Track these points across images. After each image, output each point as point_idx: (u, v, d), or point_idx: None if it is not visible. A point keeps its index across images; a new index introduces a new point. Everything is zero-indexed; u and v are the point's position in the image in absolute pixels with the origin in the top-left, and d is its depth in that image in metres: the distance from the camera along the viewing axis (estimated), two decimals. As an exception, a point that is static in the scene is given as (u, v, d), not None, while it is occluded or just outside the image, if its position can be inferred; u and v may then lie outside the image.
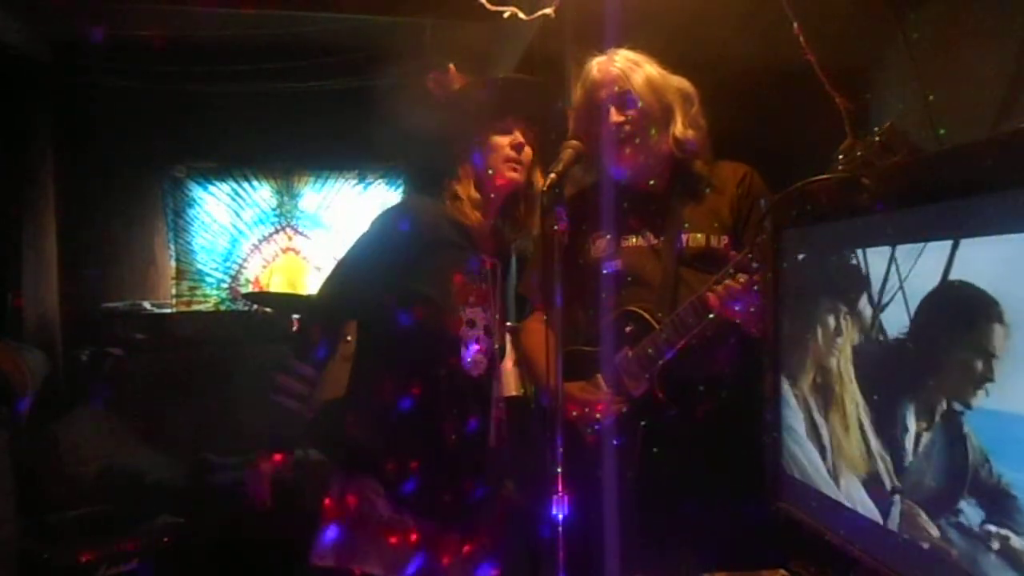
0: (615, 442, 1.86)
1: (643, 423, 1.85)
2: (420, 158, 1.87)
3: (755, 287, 1.68)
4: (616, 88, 1.89)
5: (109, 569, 2.76)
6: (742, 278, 1.69)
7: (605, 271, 1.91)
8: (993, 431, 1.02)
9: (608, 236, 1.93)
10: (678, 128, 1.89)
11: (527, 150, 1.81)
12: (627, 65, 1.91)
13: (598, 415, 1.88)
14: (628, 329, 1.87)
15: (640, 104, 1.88)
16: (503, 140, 1.80)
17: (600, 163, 1.94)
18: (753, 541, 1.65)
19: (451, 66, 1.81)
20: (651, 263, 1.90)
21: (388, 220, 1.80)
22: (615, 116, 1.88)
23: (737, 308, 1.71)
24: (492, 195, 1.82)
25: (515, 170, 1.80)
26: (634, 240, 1.92)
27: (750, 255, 1.68)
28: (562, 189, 1.57)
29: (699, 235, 1.88)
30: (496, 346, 1.84)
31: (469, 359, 1.76)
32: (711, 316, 1.73)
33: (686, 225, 1.89)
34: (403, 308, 1.72)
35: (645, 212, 1.93)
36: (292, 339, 1.82)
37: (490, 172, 1.79)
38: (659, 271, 1.88)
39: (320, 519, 1.74)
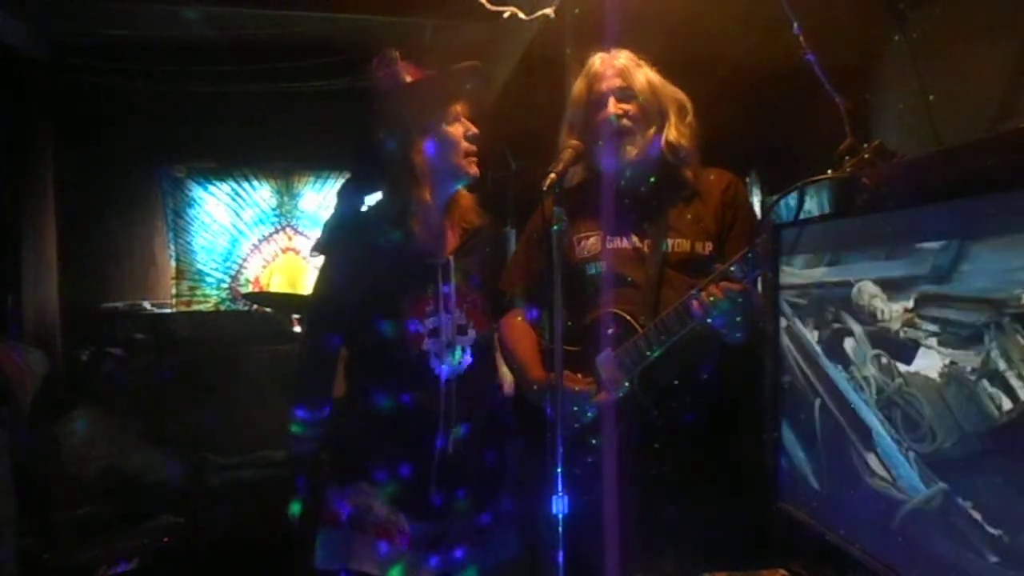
0: (594, 441, 1.87)
1: (624, 424, 1.85)
2: (369, 161, 1.83)
3: (739, 298, 1.69)
4: (618, 81, 1.91)
5: (109, 569, 2.76)
6: (731, 286, 1.69)
7: (590, 271, 1.92)
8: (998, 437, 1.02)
9: (594, 236, 1.94)
10: (671, 132, 1.90)
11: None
12: (630, 63, 1.93)
13: (583, 406, 1.88)
14: (611, 331, 1.87)
15: (639, 100, 1.89)
16: (456, 131, 1.78)
17: (592, 159, 1.95)
18: (752, 541, 1.65)
19: (396, 54, 1.77)
20: (635, 266, 1.90)
21: (334, 260, 1.83)
22: (613, 107, 1.89)
23: (718, 317, 1.72)
24: (447, 190, 1.81)
25: (474, 164, 1.80)
26: (619, 242, 1.93)
27: (750, 253, 1.68)
28: (562, 189, 1.58)
29: (684, 241, 1.89)
30: (476, 336, 1.84)
31: (441, 366, 1.77)
32: (693, 323, 1.74)
33: (671, 230, 1.90)
34: (365, 337, 1.77)
35: (631, 214, 1.93)
36: (296, 380, 1.86)
37: (448, 168, 1.78)
38: (643, 274, 1.88)
39: (317, 523, 1.76)
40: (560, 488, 1.44)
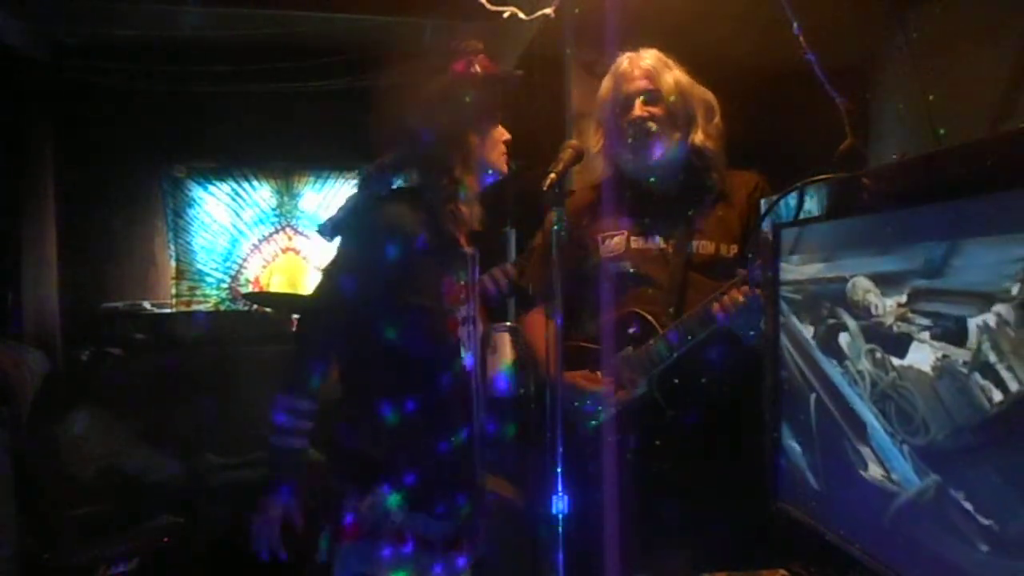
0: (610, 439, 1.87)
1: (640, 424, 1.85)
2: (422, 151, 1.82)
3: (760, 302, 1.69)
4: (645, 83, 1.90)
5: (109, 569, 2.76)
6: (748, 291, 1.69)
7: (613, 270, 1.91)
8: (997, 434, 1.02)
9: (618, 235, 1.93)
10: (698, 136, 1.90)
11: None
12: (658, 64, 1.92)
13: (599, 405, 1.88)
14: (632, 330, 1.87)
15: (666, 103, 1.88)
16: (499, 134, 1.82)
17: (617, 159, 1.94)
18: (753, 542, 1.65)
19: (480, 45, 1.79)
20: (659, 266, 1.90)
21: (362, 241, 1.75)
22: (639, 110, 1.88)
23: (740, 321, 1.71)
24: (483, 184, 1.84)
25: (508, 163, 1.84)
26: (643, 242, 1.92)
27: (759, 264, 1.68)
28: (562, 189, 1.58)
29: (708, 243, 1.89)
30: (482, 331, 1.85)
31: (471, 357, 1.77)
32: (714, 326, 1.74)
33: (696, 232, 1.89)
34: (401, 323, 1.71)
35: (656, 215, 1.93)
36: (286, 372, 1.75)
37: (488, 162, 1.81)
38: (667, 275, 1.88)
39: (335, 535, 1.72)
40: (560, 488, 1.45)
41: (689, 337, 1.78)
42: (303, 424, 1.70)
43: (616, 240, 1.93)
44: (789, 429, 1.59)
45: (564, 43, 2.87)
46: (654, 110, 1.88)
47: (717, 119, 1.93)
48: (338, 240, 1.80)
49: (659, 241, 1.91)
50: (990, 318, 1.00)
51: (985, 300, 1.01)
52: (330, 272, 1.78)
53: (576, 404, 1.90)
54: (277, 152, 4.78)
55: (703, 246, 1.89)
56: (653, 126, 1.88)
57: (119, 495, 3.13)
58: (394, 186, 1.83)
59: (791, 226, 1.57)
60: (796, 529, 1.52)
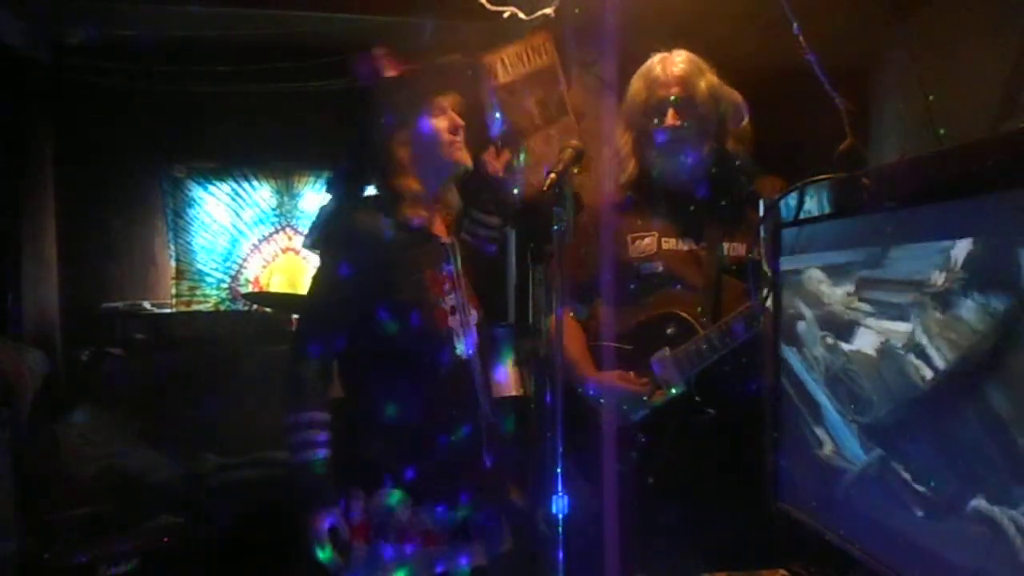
0: (644, 439, 1.87)
1: (673, 424, 1.86)
2: (349, 157, 1.83)
3: None
4: (677, 90, 1.88)
5: (109, 569, 2.76)
6: None
7: (644, 270, 1.91)
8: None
9: (649, 236, 1.93)
10: (729, 142, 1.91)
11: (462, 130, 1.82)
12: (692, 68, 1.90)
13: (637, 406, 1.88)
14: (670, 331, 1.87)
15: (698, 111, 1.88)
16: (440, 124, 1.79)
17: (647, 163, 1.94)
18: (754, 542, 1.65)
19: (380, 51, 1.79)
20: (692, 269, 1.90)
21: (338, 252, 1.76)
22: (672, 119, 1.87)
23: None
24: (437, 180, 1.82)
25: (459, 153, 1.80)
26: (675, 243, 1.92)
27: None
28: (562, 189, 1.58)
29: (739, 245, 1.90)
30: (478, 318, 1.85)
31: (464, 346, 1.78)
32: (760, 327, 1.74)
33: (727, 235, 1.90)
34: (390, 321, 1.72)
35: (686, 217, 1.94)
36: (287, 388, 1.72)
37: (432, 159, 1.79)
38: (701, 276, 1.89)
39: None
40: (560, 488, 1.45)
41: (733, 339, 1.78)
42: (320, 435, 1.69)
43: (647, 241, 1.93)
44: (795, 425, 1.60)
45: (564, 43, 2.87)
46: (687, 118, 1.87)
47: (746, 121, 1.93)
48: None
49: (690, 243, 1.91)
50: (921, 303, 1.11)
51: (917, 287, 1.12)
52: (314, 284, 1.81)
53: (612, 405, 1.90)
54: (277, 152, 4.77)
55: (734, 248, 1.89)
56: (685, 134, 1.87)
57: (119, 495, 3.13)
58: (361, 191, 1.85)
59: (791, 226, 1.57)
60: (796, 529, 1.52)
